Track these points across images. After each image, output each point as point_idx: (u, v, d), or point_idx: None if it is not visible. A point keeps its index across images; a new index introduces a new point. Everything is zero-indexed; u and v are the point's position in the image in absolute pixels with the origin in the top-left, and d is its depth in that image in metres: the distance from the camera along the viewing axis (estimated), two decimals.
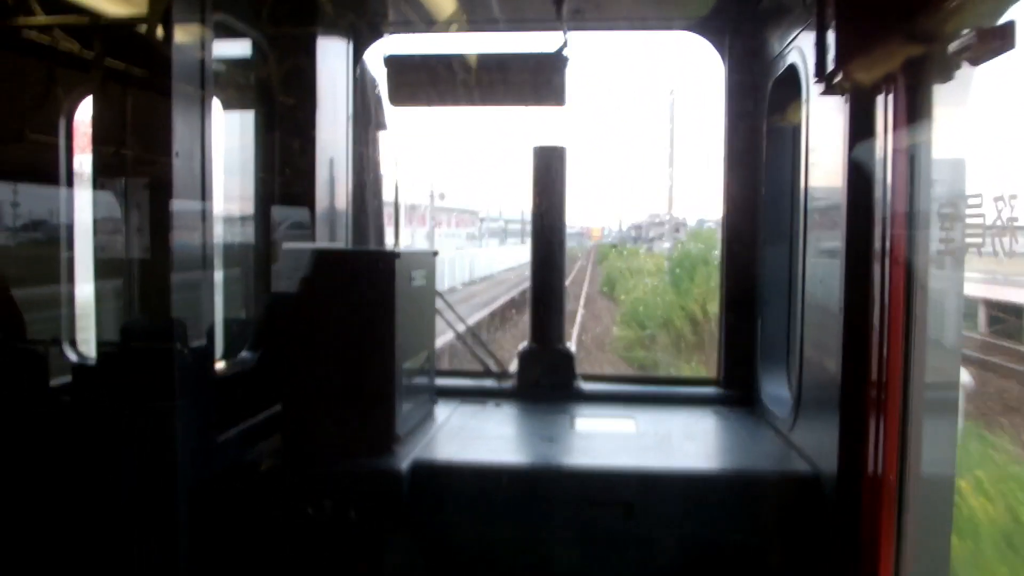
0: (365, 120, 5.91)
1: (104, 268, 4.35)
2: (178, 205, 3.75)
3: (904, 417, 3.37)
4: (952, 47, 2.91)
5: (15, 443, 3.76)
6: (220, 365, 4.58)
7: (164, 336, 3.79)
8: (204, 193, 3.89)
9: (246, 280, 5.11)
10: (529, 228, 6.00)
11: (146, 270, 4.02)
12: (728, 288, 5.87)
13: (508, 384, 5.88)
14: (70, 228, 4.70)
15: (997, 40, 2.64)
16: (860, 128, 3.67)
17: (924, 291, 3.31)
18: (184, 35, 3.81)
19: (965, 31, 2.86)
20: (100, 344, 4.34)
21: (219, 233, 4.46)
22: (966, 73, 3.09)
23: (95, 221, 4.34)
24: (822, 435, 3.97)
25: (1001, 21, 2.69)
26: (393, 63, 5.35)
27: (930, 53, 3.19)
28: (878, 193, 3.57)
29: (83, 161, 4.72)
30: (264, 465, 4.25)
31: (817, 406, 4.24)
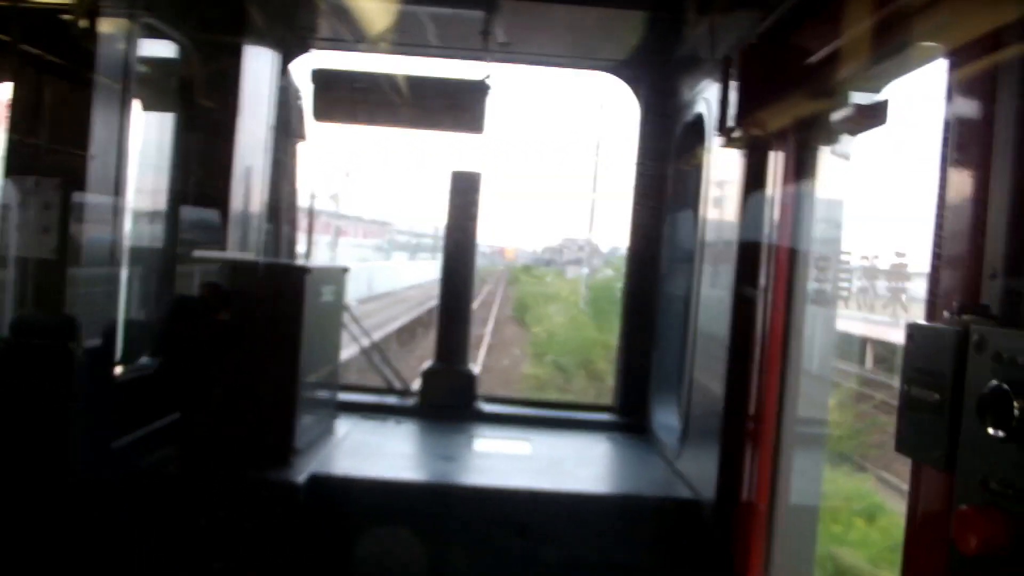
0: (285, 129, 5.92)
1: (2, 261, 4.22)
2: (88, 201, 3.70)
3: (776, 448, 3.64)
4: (835, 116, 3.21)
5: None
6: (120, 368, 4.50)
7: (61, 334, 3.72)
8: (117, 190, 3.85)
9: (153, 283, 5.03)
10: (441, 244, 6.12)
11: (49, 267, 3.93)
12: (628, 317, 6.12)
13: (410, 402, 5.96)
14: None
15: (872, 116, 2.94)
16: (753, 178, 3.97)
17: (800, 329, 3.60)
18: (110, 31, 3.77)
19: (848, 103, 3.16)
20: None
21: (128, 234, 4.39)
22: (848, 139, 3.41)
23: None
24: (704, 463, 4.22)
25: (878, 98, 3.00)
26: (319, 77, 5.40)
27: (818, 119, 3.50)
28: (765, 237, 3.87)
29: None
30: (160, 472, 4.20)
31: (701, 435, 4.49)
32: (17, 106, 3.88)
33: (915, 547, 2.23)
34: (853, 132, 3.17)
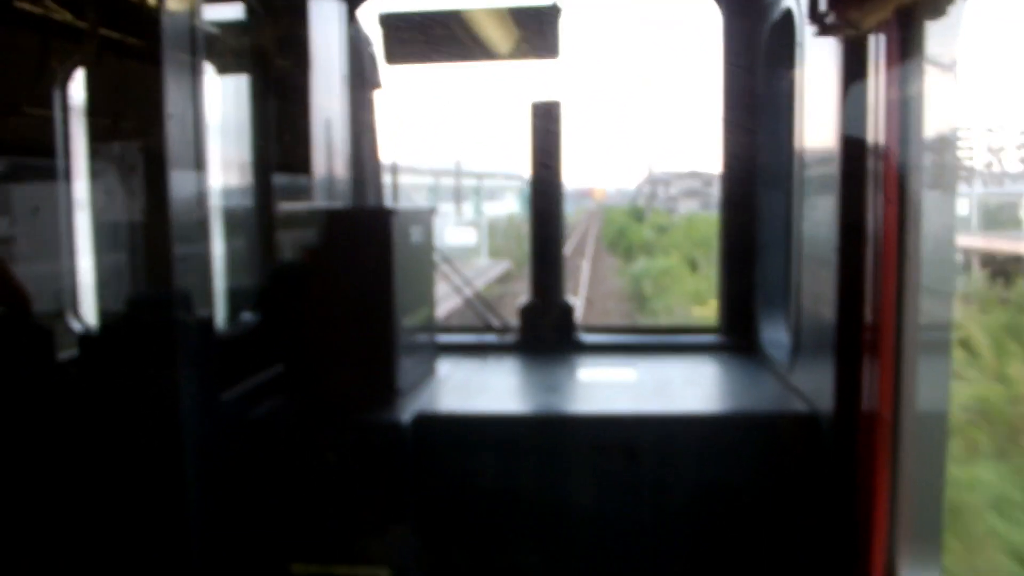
0: (360, 80, 5.89)
1: (102, 238, 4.38)
2: (173, 169, 3.77)
3: (898, 356, 3.40)
4: None
5: (22, 416, 3.82)
6: (222, 328, 4.63)
7: (164, 303, 3.83)
8: (199, 157, 3.90)
9: (245, 243, 5.14)
10: (522, 182, 6.00)
11: (144, 237, 4.04)
12: (727, 235, 5.89)
13: (510, 339, 5.94)
14: (69, 200, 4.72)
15: None
16: (853, 69, 3.66)
17: (916, 231, 3.32)
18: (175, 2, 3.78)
19: None
20: (102, 314, 4.39)
21: (217, 197, 4.47)
22: (957, 8, 3.07)
23: (91, 191, 4.36)
24: (819, 376, 4.02)
25: None
26: (387, 21, 5.33)
27: None
28: (871, 134, 3.57)
29: (79, 132, 4.73)
30: (269, 421, 4.34)
31: (814, 348, 4.28)
32: (97, 86, 3.98)
33: None
34: None
